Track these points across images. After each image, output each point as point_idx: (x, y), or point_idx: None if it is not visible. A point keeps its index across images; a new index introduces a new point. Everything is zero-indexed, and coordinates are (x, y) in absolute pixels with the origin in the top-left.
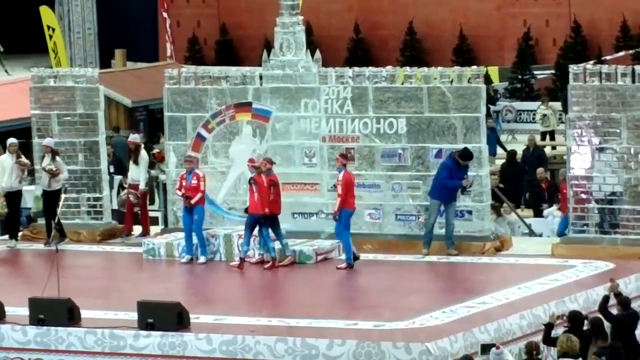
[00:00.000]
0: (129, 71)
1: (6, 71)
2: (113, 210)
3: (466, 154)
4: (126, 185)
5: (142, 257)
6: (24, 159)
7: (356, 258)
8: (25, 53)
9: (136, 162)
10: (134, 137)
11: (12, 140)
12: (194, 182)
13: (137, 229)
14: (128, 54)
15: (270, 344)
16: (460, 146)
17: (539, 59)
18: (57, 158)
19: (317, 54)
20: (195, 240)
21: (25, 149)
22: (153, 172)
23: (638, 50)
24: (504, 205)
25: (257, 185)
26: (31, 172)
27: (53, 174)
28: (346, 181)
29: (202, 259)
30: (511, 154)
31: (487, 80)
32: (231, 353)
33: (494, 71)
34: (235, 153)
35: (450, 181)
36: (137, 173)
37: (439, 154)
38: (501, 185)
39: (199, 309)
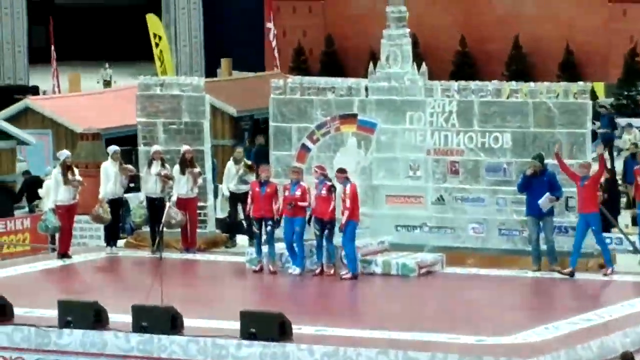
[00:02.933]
0: (234, 80)
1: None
2: (217, 219)
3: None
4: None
5: (245, 267)
6: (129, 166)
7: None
8: (131, 60)
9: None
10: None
11: (114, 148)
12: (298, 193)
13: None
14: (234, 63)
15: (372, 356)
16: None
17: None
18: (167, 165)
19: (423, 66)
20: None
21: (129, 156)
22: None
23: None
24: None
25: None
26: (134, 179)
27: (168, 178)
28: (353, 194)
29: (297, 270)
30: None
31: (593, 96)
32: None
33: (599, 87)
34: (340, 164)
35: (519, 185)
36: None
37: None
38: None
39: (302, 320)
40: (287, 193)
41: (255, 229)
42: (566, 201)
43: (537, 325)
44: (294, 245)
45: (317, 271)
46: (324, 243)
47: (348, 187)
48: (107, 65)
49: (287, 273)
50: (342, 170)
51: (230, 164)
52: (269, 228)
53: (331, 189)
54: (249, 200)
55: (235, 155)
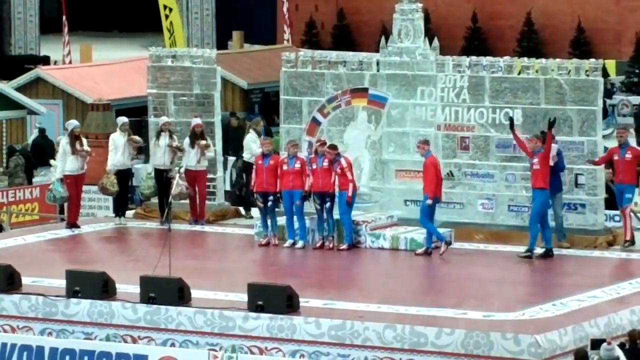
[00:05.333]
0: (245, 53)
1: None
2: (226, 192)
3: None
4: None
5: (254, 239)
6: (136, 137)
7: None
8: (140, 32)
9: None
10: (196, 121)
11: (123, 119)
12: (297, 166)
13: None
14: (245, 36)
15: (379, 331)
16: (576, 139)
17: None
18: (174, 136)
19: (435, 41)
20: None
21: (139, 127)
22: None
23: None
24: None
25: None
26: (142, 150)
27: (180, 150)
28: (351, 166)
29: (300, 243)
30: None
31: (604, 73)
32: (340, 338)
33: (611, 64)
34: (350, 138)
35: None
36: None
37: None
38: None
39: (309, 293)
40: (285, 167)
41: (259, 202)
42: (575, 178)
43: (545, 302)
44: (295, 218)
45: (319, 244)
46: (325, 216)
47: (343, 161)
48: None
49: (291, 246)
50: (333, 147)
51: (253, 135)
52: (270, 203)
53: (332, 162)
54: (253, 174)
55: (257, 128)
